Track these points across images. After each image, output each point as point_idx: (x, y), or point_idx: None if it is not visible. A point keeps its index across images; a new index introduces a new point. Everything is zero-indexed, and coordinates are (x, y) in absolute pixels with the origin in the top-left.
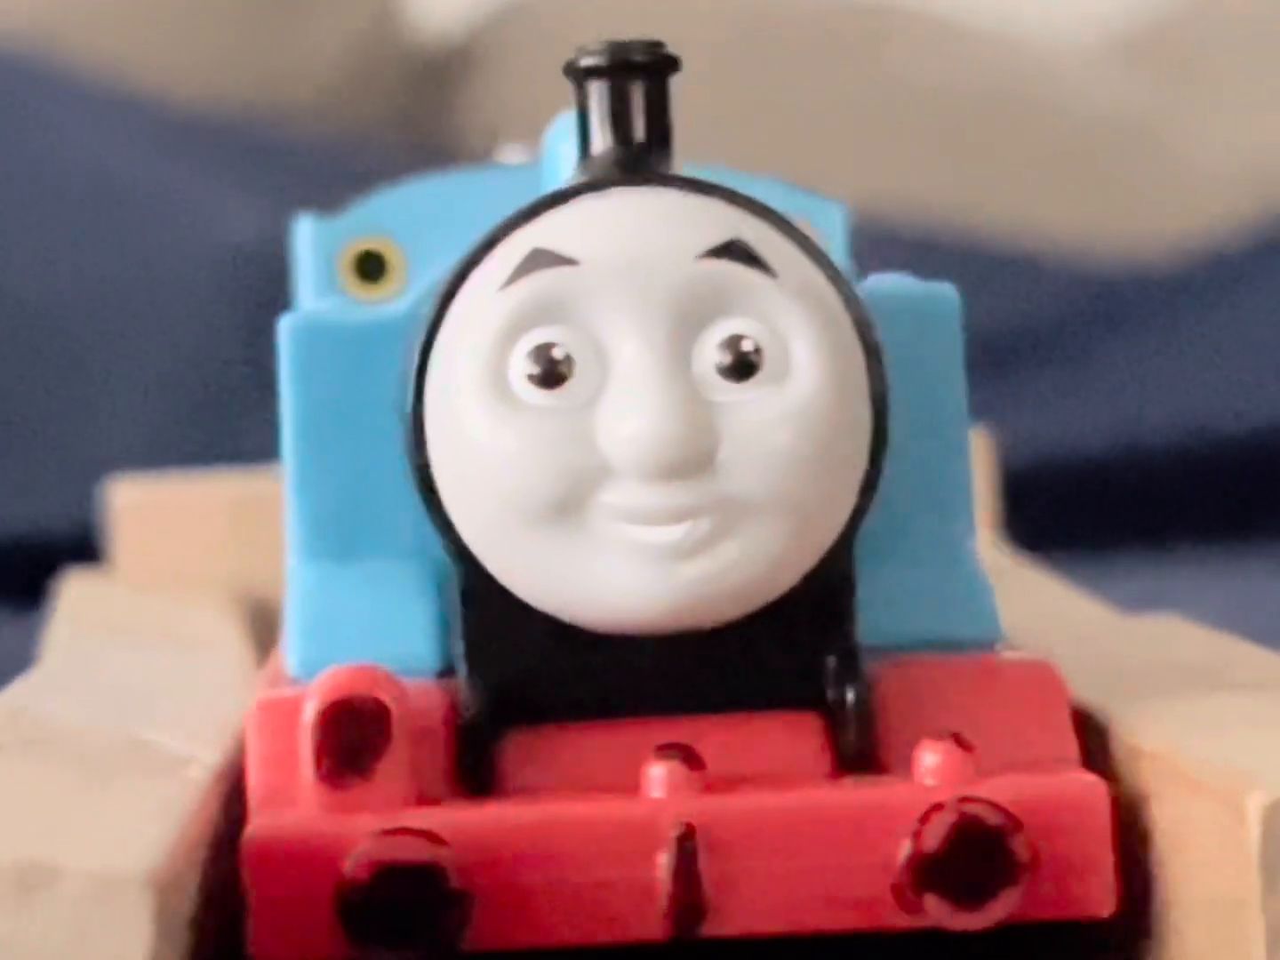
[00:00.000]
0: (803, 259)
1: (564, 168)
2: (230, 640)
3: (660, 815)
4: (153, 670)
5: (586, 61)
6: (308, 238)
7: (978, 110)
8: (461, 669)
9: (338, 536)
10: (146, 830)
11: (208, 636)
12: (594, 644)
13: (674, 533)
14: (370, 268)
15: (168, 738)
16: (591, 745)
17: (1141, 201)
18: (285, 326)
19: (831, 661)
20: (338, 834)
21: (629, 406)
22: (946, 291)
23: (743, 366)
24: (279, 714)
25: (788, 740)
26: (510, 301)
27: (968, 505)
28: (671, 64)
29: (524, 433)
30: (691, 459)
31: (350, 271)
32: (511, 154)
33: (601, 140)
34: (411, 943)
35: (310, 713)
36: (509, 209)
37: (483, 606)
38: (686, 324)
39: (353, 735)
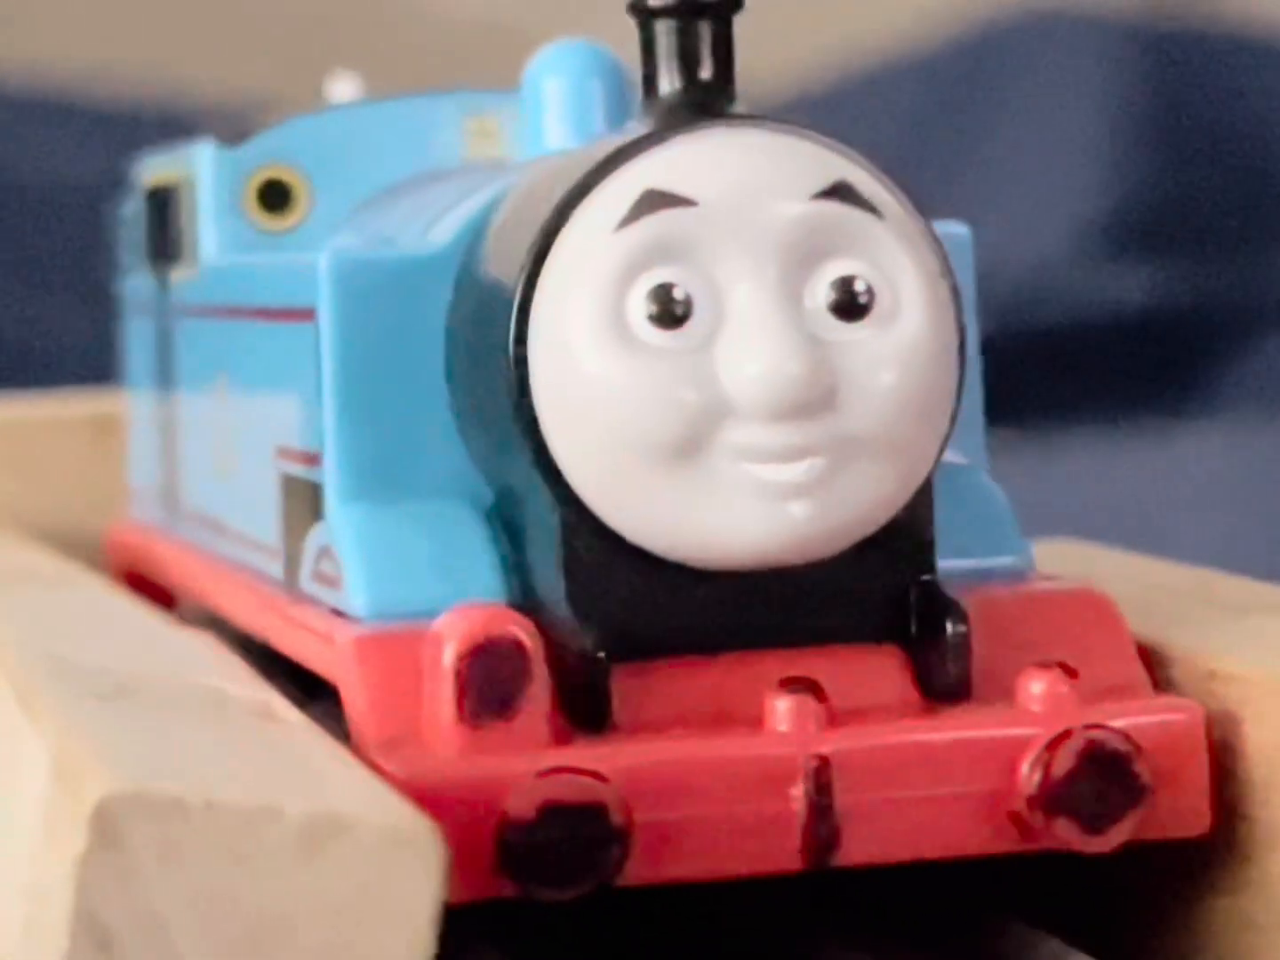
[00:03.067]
0: (894, 201)
1: (548, 102)
2: (85, 576)
3: (796, 748)
4: (80, 611)
5: (655, 1)
6: (210, 166)
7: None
8: (560, 607)
9: (380, 477)
10: (363, 778)
11: (59, 573)
12: (694, 580)
13: (794, 470)
14: (275, 197)
15: (216, 680)
16: (700, 679)
17: None
18: (325, 265)
19: (914, 594)
20: (497, 774)
21: (752, 347)
22: (959, 229)
23: (855, 307)
24: (382, 654)
25: (880, 672)
26: (628, 242)
27: (980, 438)
28: (737, 3)
29: (646, 373)
30: (814, 399)
31: (255, 200)
32: (341, 87)
33: (669, 80)
34: (575, 880)
35: (450, 655)
36: (418, 140)
37: (584, 545)
38: (799, 263)
39: (494, 676)
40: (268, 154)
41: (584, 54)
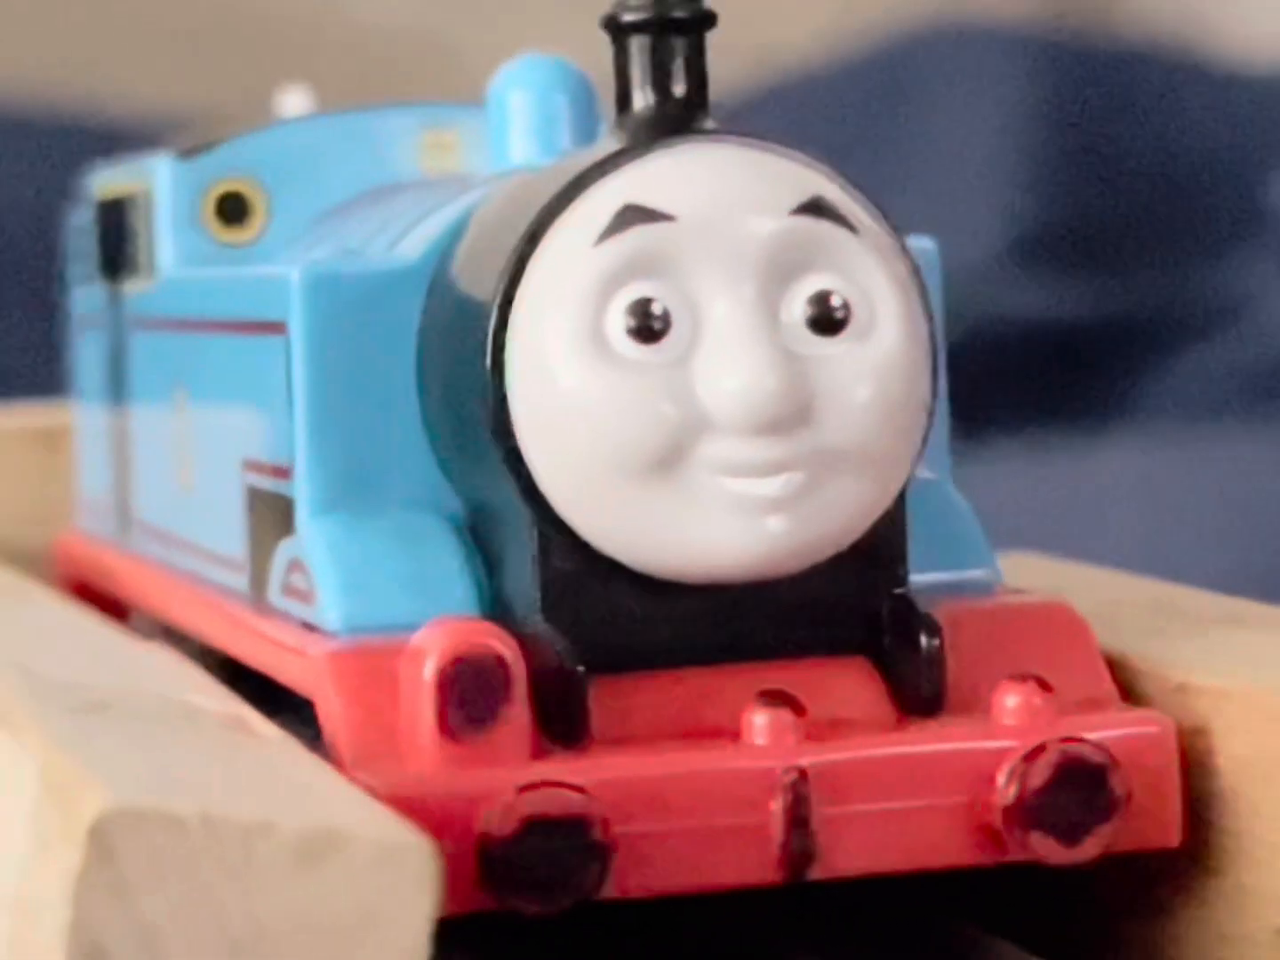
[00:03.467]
0: (867, 216)
1: (514, 116)
2: (36, 588)
3: (774, 762)
4: (40, 624)
5: (629, 17)
6: (168, 178)
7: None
8: (535, 621)
9: (351, 491)
10: (350, 793)
11: (10, 585)
12: (669, 594)
13: (771, 484)
14: (232, 210)
15: (188, 694)
16: (676, 692)
17: None
18: (297, 278)
19: (887, 607)
20: (478, 788)
21: (730, 362)
22: (926, 244)
23: (831, 322)
24: (359, 668)
25: (854, 685)
26: (607, 256)
27: (946, 452)
28: (710, 20)
29: (625, 386)
30: (791, 413)
31: (213, 213)
32: (293, 98)
33: (643, 96)
34: (556, 894)
35: (431, 669)
36: (375, 153)
37: (560, 558)
38: (776, 279)
39: (474, 689)
40: (226, 166)
41: (549, 68)
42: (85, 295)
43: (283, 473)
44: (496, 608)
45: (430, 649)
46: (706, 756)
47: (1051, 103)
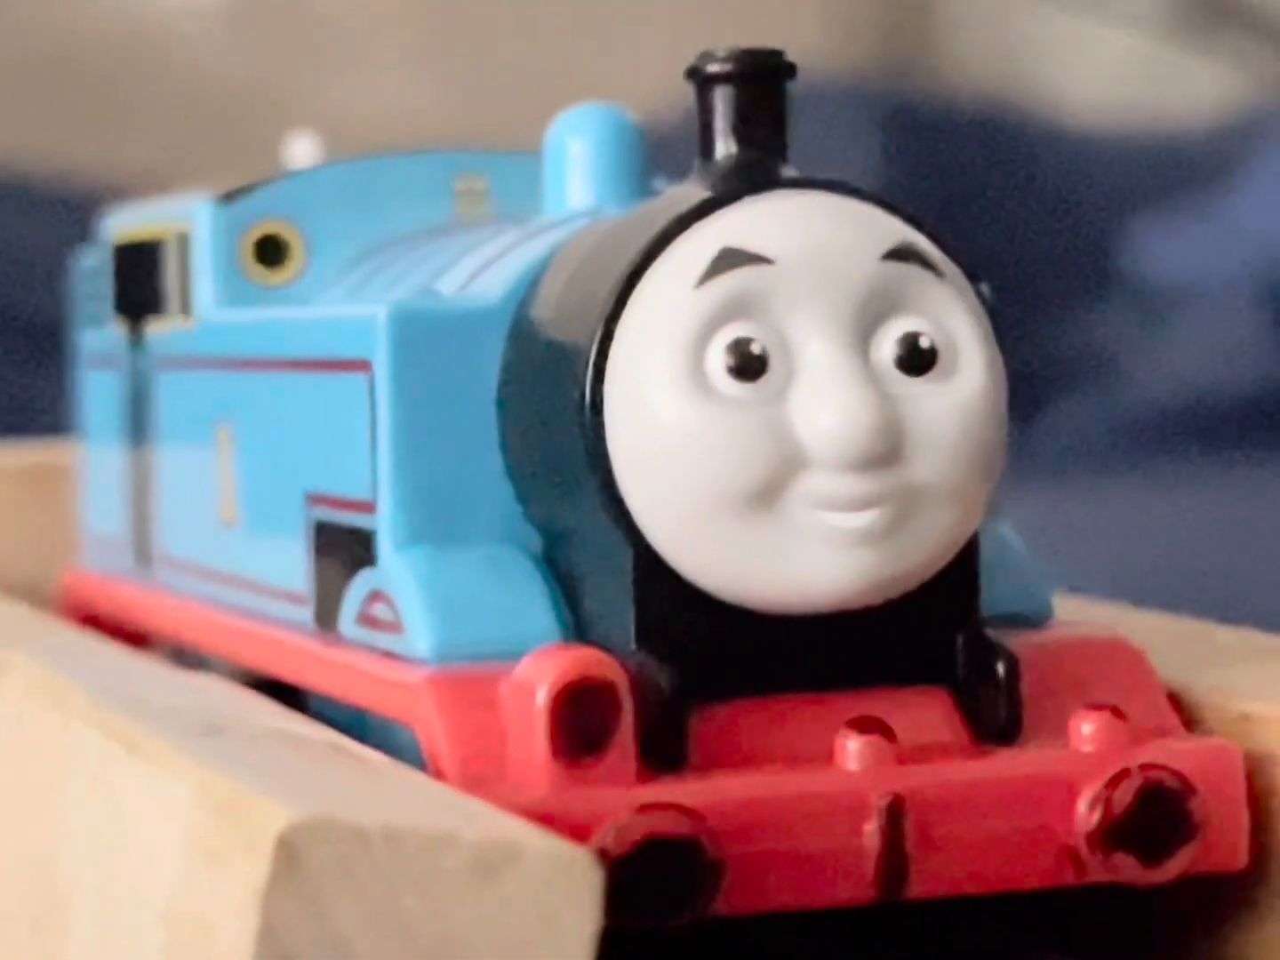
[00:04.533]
0: (947, 259)
1: (571, 163)
2: (52, 622)
3: (871, 786)
4: (107, 659)
5: (714, 68)
6: (207, 221)
7: (103, 63)
8: (628, 650)
9: (433, 524)
10: (494, 810)
11: (38, 623)
12: (759, 624)
13: (864, 518)
14: (270, 252)
15: (277, 720)
16: (768, 719)
17: (264, 162)
18: (384, 316)
19: (961, 639)
20: (595, 809)
21: (826, 400)
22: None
23: (919, 362)
24: (461, 694)
25: (933, 713)
26: (708, 298)
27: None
28: (791, 71)
29: (726, 423)
30: (885, 450)
31: (250, 255)
32: (301, 146)
33: (725, 144)
34: (671, 913)
35: (544, 695)
36: (409, 197)
37: (655, 590)
38: (866, 320)
39: (587, 715)
40: (263, 210)
41: (606, 117)
42: (95, 336)
43: (361, 507)
44: (579, 637)
45: (542, 676)
46: (806, 780)
47: (901, 163)
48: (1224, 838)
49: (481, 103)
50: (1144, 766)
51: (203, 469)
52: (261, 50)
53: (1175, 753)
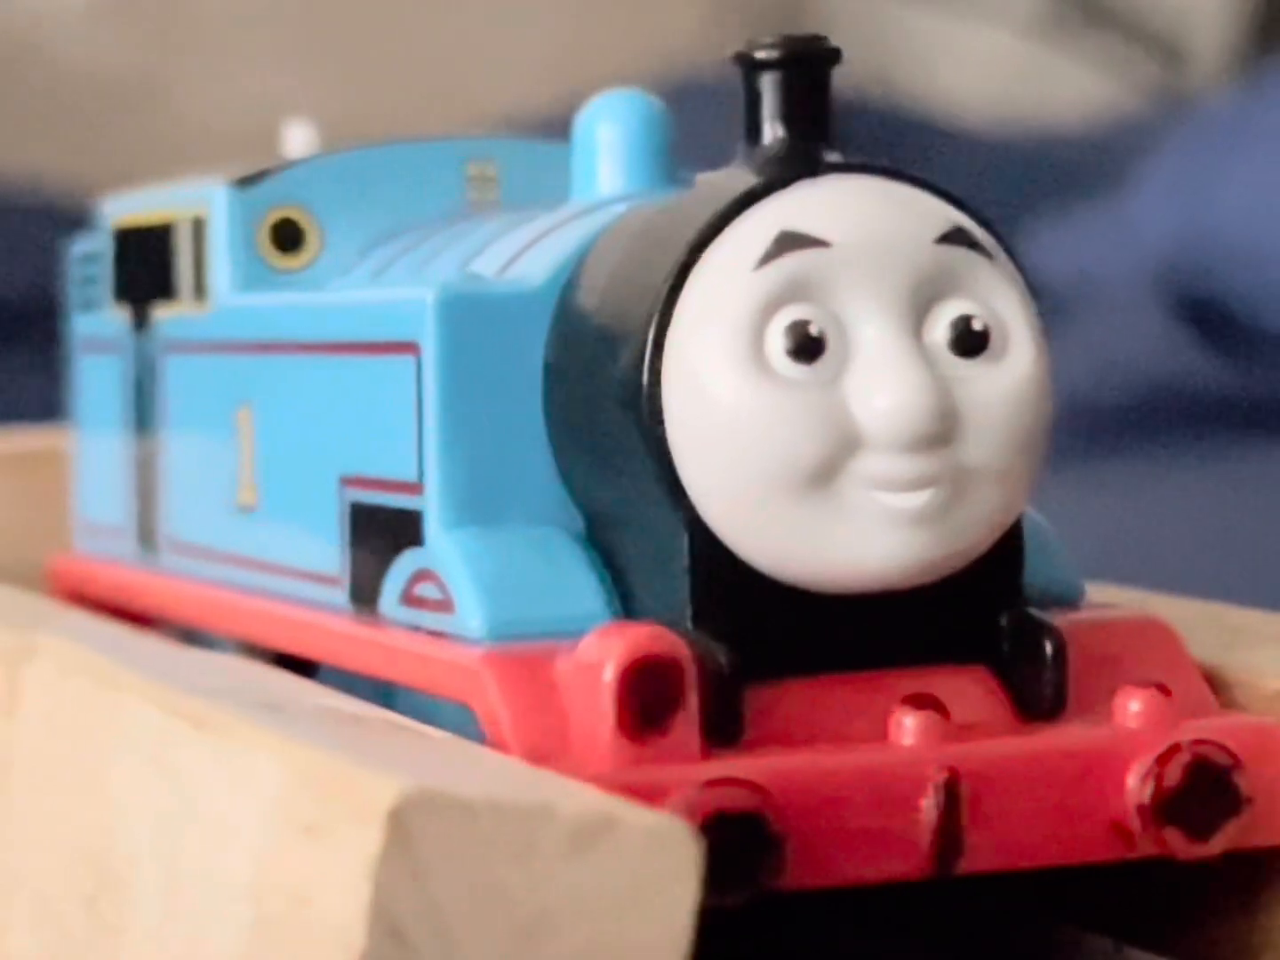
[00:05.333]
0: (995, 243)
1: (601, 149)
2: (60, 606)
3: (928, 761)
4: (135, 640)
5: (761, 54)
6: (224, 205)
7: None
8: (682, 628)
9: (480, 504)
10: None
11: (52, 608)
12: (811, 603)
13: (919, 498)
14: (287, 237)
15: (328, 699)
16: (821, 696)
17: (143, 156)
18: (432, 299)
19: (1005, 618)
20: (662, 783)
21: (883, 381)
22: None
23: (972, 345)
24: (520, 671)
25: (979, 690)
26: (767, 280)
27: None
28: (837, 56)
29: (785, 404)
30: (940, 431)
31: (267, 239)
32: (296, 133)
33: (772, 130)
34: (738, 887)
35: (611, 672)
36: (422, 183)
37: (710, 568)
38: (920, 303)
39: (653, 691)
40: (280, 194)
41: (633, 103)
42: (91, 321)
43: (405, 488)
44: (627, 616)
45: (609, 653)
46: (866, 755)
47: None
48: (1269, 812)
49: (354, 97)
50: (1194, 742)
51: (219, 452)
52: (134, 45)
53: (1222, 729)
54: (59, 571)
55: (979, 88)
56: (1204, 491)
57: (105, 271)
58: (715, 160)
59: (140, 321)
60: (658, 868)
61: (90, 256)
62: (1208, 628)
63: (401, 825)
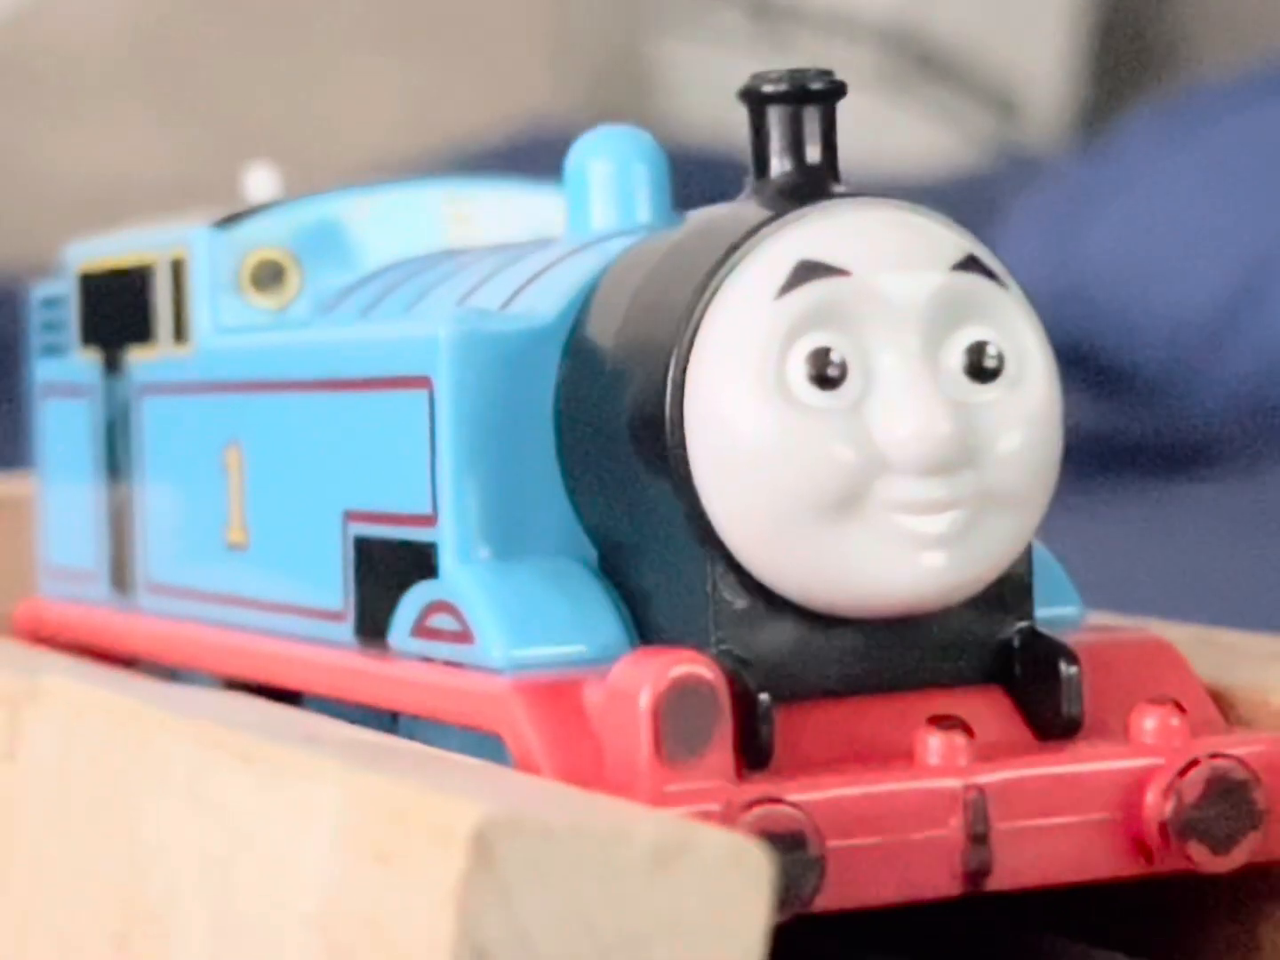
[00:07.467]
0: (1007, 273)
1: (595, 185)
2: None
3: (956, 781)
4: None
5: (768, 88)
6: (205, 247)
7: None
8: (704, 653)
9: (495, 536)
10: (628, 805)
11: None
12: (832, 627)
13: (940, 522)
14: (267, 277)
15: (349, 731)
16: (845, 719)
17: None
18: (444, 334)
19: (1016, 639)
20: (699, 809)
21: (904, 408)
22: None
23: (987, 370)
24: (549, 700)
25: (996, 711)
26: (789, 308)
27: None
28: (842, 90)
29: (808, 431)
30: (961, 456)
31: (248, 280)
32: (259, 177)
33: (780, 162)
34: (779, 907)
35: (647, 698)
36: (402, 224)
37: (732, 594)
38: (938, 329)
39: (690, 716)
40: (260, 236)
41: (628, 139)
42: (56, 366)
43: (417, 520)
44: (645, 644)
45: (643, 680)
46: (897, 776)
47: None
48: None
49: (210, 153)
50: (1212, 757)
51: (204, 493)
52: None
53: (1239, 744)
54: (24, 616)
55: None
56: (1104, 535)
57: (70, 316)
58: None
59: (111, 365)
60: (734, 886)
61: (53, 301)
62: (1201, 648)
63: (486, 849)
